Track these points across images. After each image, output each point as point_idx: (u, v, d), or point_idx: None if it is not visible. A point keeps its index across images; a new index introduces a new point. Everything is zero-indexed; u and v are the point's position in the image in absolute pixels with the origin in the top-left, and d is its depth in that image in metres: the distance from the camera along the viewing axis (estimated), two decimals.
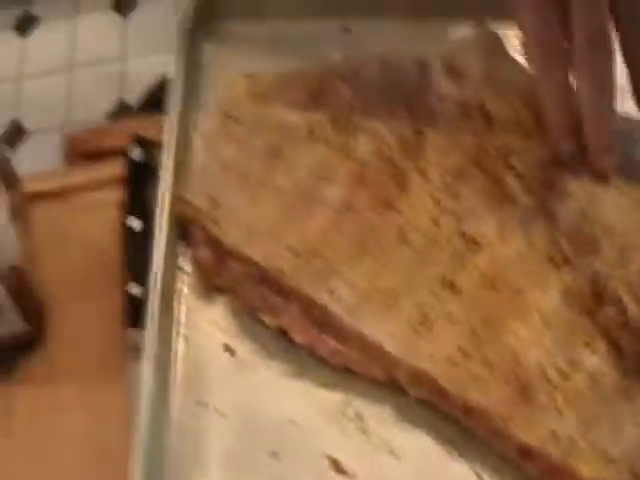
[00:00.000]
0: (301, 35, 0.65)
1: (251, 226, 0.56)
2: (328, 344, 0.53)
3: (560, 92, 0.53)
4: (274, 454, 0.51)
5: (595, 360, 0.51)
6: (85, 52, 0.78)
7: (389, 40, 0.64)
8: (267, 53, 0.65)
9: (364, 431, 0.53)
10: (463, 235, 0.56)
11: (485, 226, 0.56)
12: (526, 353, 0.52)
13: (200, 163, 0.59)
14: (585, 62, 0.52)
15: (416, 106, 0.60)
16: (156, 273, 0.54)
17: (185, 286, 0.57)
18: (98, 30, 0.80)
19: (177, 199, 0.57)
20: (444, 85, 0.60)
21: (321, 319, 0.54)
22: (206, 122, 0.60)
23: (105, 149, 0.67)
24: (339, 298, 0.54)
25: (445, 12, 0.64)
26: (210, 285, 0.57)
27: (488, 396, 0.51)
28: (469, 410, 0.51)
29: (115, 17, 0.82)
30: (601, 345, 0.52)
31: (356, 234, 0.56)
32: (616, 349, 0.52)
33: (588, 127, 0.53)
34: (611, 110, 0.53)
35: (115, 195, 0.63)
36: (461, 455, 0.52)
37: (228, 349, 0.55)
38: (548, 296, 0.53)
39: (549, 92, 0.54)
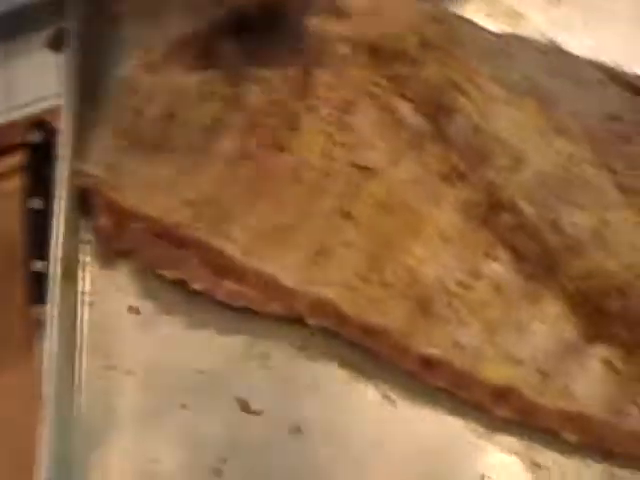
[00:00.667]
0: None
1: (149, 187, 0.57)
2: (226, 287, 0.53)
3: None
4: (184, 405, 0.51)
5: (496, 267, 0.51)
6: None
7: None
8: (161, 23, 0.65)
9: (270, 368, 0.53)
10: (356, 165, 0.56)
11: (377, 154, 0.56)
12: (424, 270, 0.52)
13: (97, 135, 0.59)
14: None
15: (302, 48, 0.61)
16: (56, 245, 0.55)
17: (88, 256, 0.56)
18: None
19: (75, 171, 0.58)
20: (329, 24, 0.59)
21: (219, 264, 0.54)
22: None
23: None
24: (235, 241, 0.54)
25: None
26: (112, 251, 0.58)
27: (388, 315, 0.51)
28: (370, 332, 0.52)
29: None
30: (501, 252, 0.52)
31: (250, 179, 0.57)
32: (516, 254, 0.52)
33: None
34: None
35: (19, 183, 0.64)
36: (368, 379, 0.52)
37: (132, 310, 0.55)
38: (444, 212, 0.53)
39: None
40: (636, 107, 0.58)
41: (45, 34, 0.65)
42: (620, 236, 0.51)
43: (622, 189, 0.54)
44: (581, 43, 0.62)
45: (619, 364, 0.50)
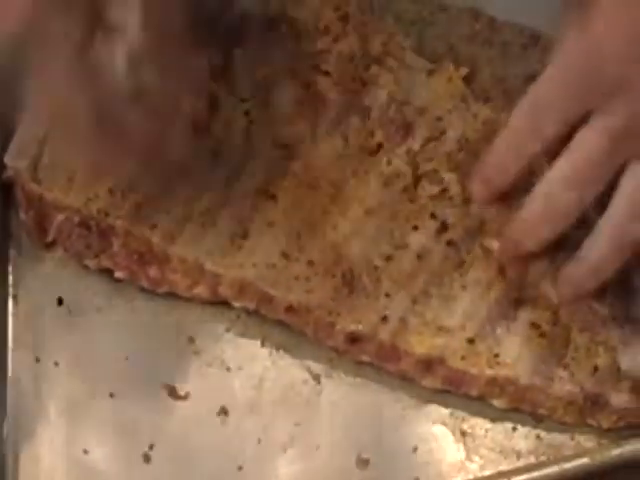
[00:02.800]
0: None
1: (71, 178, 0.59)
2: (150, 274, 0.55)
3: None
4: (112, 394, 0.53)
5: (420, 238, 0.54)
6: None
7: None
8: None
9: (196, 352, 0.55)
10: (277, 143, 0.58)
11: (298, 131, 0.57)
12: (348, 245, 0.54)
13: (20, 129, 0.62)
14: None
15: (222, 30, 0.63)
16: None
17: (14, 250, 0.58)
18: None
19: None
20: (247, 4, 0.62)
21: (142, 251, 0.57)
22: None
23: None
24: (157, 227, 0.56)
25: None
26: (39, 244, 0.60)
27: (312, 293, 0.54)
28: (295, 311, 0.54)
29: None
30: (425, 223, 0.54)
31: (171, 164, 0.57)
32: (440, 223, 0.53)
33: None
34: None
35: None
36: (293, 357, 0.55)
37: (59, 302, 0.56)
38: (368, 186, 0.56)
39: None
40: None
41: None
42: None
43: None
44: (505, 7, 0.64)
45: (546, 327, 0.52)
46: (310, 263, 0.55)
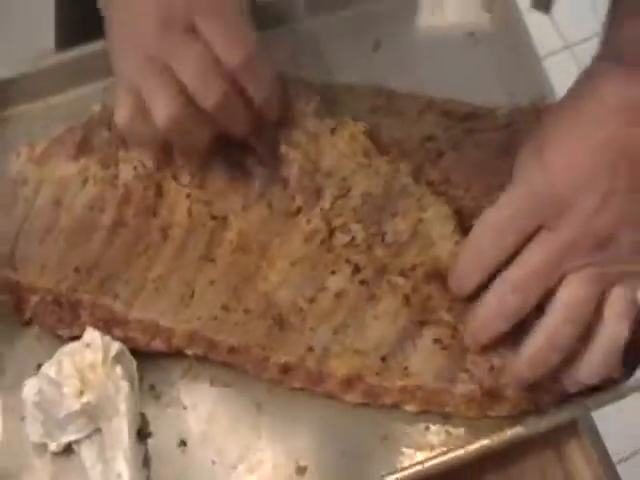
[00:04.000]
0: (70, 101, 0.83)
1: (43, 264, 0.72)
2: (115, 335, 0.68)
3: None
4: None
5: (338, 280, 0.66)
6: None
7: None
8: (45, 125, 0.82)
9: (156, 397, 0.66)
10: (214, 217, 0.70)
11: (231, 204, 0.70)
12: (278, 293, 0.66)
13: None
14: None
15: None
16: None
17: None
18: None
19: None
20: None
21: (106, 318, 0.68)
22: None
23: None
24: (118, 296, 0.68)
25: None
26: (18, 321, 0.72)
27: (249, 335, 0.65)
28: (235, 351, 0.66)
29: None
30: (341, 268, 0.66)
31: (127, 244, 0.71)
32: (354, 266, 0.66)
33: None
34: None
35: None
36: (237, 392, 0.67)
37: (39, 367, 0.69)
38: (291, 243, 0.68)
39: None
40: (448, 127, 0.73)
41: None
42: (433, 229, 0.66)
43: (437, 196, 0.68)
44: (402, 82, 0.76)
45: (447, 341, 0.63)
46: (246, 311, 0.66)
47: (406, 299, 0.66)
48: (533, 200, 0.57)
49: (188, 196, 0.72)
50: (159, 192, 0.73)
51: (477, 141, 0.72)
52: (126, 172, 0.74)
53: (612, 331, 0.57)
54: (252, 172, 0.72)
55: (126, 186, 0.74)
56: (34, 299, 0.71)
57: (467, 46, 0.79)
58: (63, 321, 0.70)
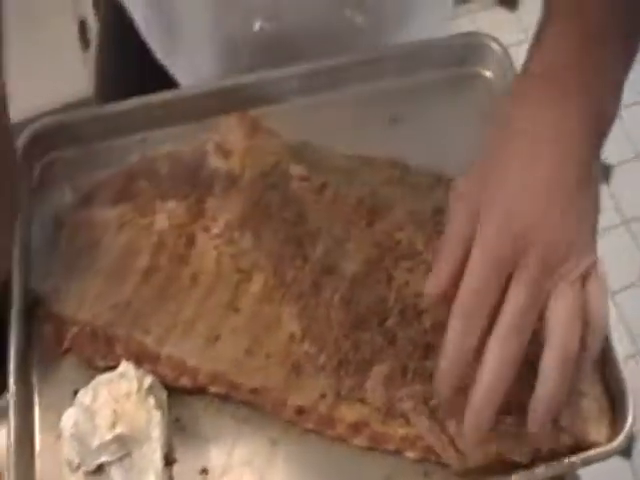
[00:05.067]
0: (110, 149, 0.92)
1: (82, 298, 0.81)
2: (145, 369, 0.77)
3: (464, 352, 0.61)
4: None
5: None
6: None
7: (176, 142, 0.90)
8: (87, 169, 0.91)
9: (182, 428, 0.76)
10: (240, 270, 0.80)
11: (256, 259, 0.81)
12: (296, 344, 0.77)
13: (40, 260, 0.84)
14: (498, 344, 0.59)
15: (197, 183, 0.85)
16: (11, 351, 0.79)
17: (37, 355, 0.81)
18: None
19: (26, 290, 0.82)
20: (216, 162, 0.87)
21: (139, 352, 0.78)
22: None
23: None
24: (150, 333, 0.78)
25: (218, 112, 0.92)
26: (58, 350, 0.80)
27: (268, 378, 0.75)
28: (255, 392, 0.75)
29: None
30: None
31: (159, 287, 0.80)
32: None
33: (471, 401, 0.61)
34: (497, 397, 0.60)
35: None
36: (255, 428, 0.76)
37: (75, 393, 0.78)
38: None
39: (455, 346, 0.61)
40: None
41: None
42: None
43: None
44: (416, 155, 0.85)
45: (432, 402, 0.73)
46: (267, 356, 0.76)
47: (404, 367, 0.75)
48: (497, 258, 0.60)
49: (216, 248, 0.81)
50: (190, 242, 0.82)
51: None
52: (161, 222, 0.84)
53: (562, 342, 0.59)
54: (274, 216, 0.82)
55: (160, 234, 0.82)
56: (73, 330, 0.79)
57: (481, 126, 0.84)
58: (99, 352, 0.78)
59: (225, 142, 0.88)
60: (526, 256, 0.59)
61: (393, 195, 0.84)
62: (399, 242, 0.80)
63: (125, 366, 0.76)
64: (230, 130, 0.89)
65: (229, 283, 0.80)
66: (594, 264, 0.61)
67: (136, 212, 0.85)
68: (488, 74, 0.93)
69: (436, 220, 0.81)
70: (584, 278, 0.60)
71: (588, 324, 0.60)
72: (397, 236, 0.80)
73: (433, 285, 0.63)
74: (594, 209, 0.63)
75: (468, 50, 0.92)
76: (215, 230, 0.83)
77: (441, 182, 0.84)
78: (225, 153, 0.87)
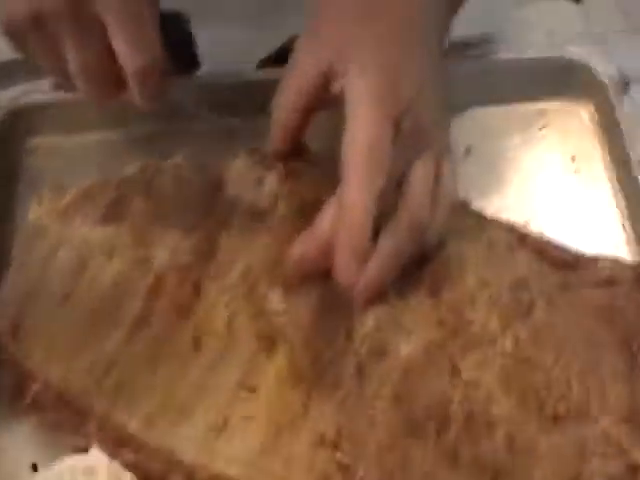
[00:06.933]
0: (105, 143, 0.78)
1: (50, 344, 0.65)
2: (125, 456, 0.60)
3: None
4: None
5: None
6: None
7: (193, 147, 0.75)
8: (75, 164, 0.77)
9: None
10: (260, 337, 0.64)
11: (283, 324, 0.65)
12: (325, 451, 0.60)
13: (3, 281, 0.68)
14: None
15: (211, 211, 0.70)
16: None
17: None
18: None
19: None
20: (239, 187, 0.71)
21: (118, 435, 0.61)
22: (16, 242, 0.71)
23: None
24: (134, 413, 0.62)
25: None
26: (15, 407, 0.64)
27: None
28: None
29: None
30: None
31: (152, 346, 0.64)
32: None
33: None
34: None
35: None
36: None
37: (34, 468, 0.62)
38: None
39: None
40: (542, 272, 0.67)
41: None
42: None
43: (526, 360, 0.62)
44: (490, 202, 0.71)
45: None
46: (287, 460, 0.60)
47: None
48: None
49: (229, 304, 0.66)
50: (196, 291, 0.67)
51: (572, 299, 0.66)
52: (160, 257, 0.68)
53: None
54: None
55: (158, 274, 0.67)
56: (35, 387, 0.63)
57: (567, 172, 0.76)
58: (67, 424, 0.63)
59: (255, 162, 0.73)
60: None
61: (465, 253, 0.68)
62: (470, 323, 0.64)
63: (96, 457, 0.61)
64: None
65: (243, 353, 0.64)
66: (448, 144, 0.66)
67: (129, 237, 0.69)
68: (580, 108, 0.80)
69: (516, 297, 0.66)
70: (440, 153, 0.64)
71: (436, 198, 0.63)
72: (467, 314, 0.65)
73: None
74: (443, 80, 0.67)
75: (558, 77, 0.80)
76: (229, 279, 0.67)
77: (526, 242, 0.70)
78: (254, 178, 0.72)
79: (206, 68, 0.90)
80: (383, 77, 0.62)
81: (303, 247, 0.63)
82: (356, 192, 0.60)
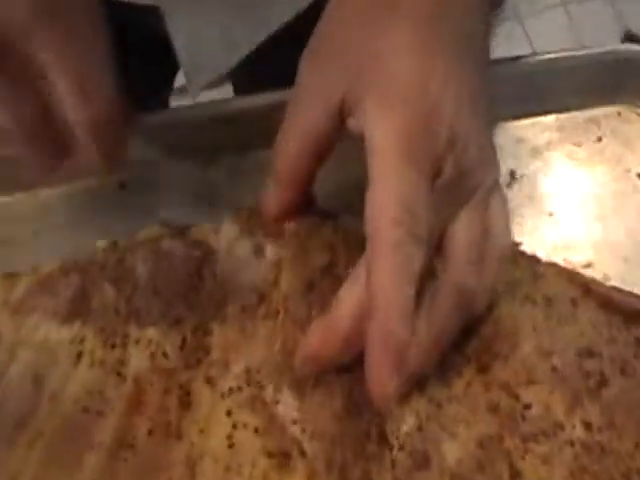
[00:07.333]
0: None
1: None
2: None
3: None
4: None
5: None
6: None
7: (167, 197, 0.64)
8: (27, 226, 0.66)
9: None
10: (272, 454, 0.52)
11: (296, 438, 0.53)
12: None
13: None
14: None
15: (199, 299, 0.58)
16: None
17: None
18: None
19: None
20: (232, 269, 0.59)
21: None
22: None
23: None
24: None
25: None
26: None
27: None
28: None
29: None
30: None
31: (137, 475, 0.52)
32: None
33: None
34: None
35: None
36: None
37: None
38: None
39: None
40: (612, 335, 0.56)
41: None
42: None
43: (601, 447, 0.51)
44: (542, 240, 0.61)
45: None
46: None
47: None
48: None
49: (230, 413, 0.53)
50: (186, 400, 0.54)
51: None
52: (138, 358, 0.56)
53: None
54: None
55: (137, 381, 0.55)
56: None
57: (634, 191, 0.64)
58: None
59: (250, 226, 0.61)
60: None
61: (519, 315, 0.57)
62: (527, 407, 0.53)
63: None
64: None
65: (251, 475, 0.51)
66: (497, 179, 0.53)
67: (99, 337, 0.57)
68: None
69: (583, 368, 0.55)
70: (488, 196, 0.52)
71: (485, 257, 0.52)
72: (523, 395, 0.53)
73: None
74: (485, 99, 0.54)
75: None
76: (228, 382, 0.54)
77: (590, 295, 0.57)
78: (251, 247, 0.60)
79: (184, 69, 0.78)
80: (413, 108, 0.50)
81: (318, 340, 0.51)
82: (388, 275, 0.48)
